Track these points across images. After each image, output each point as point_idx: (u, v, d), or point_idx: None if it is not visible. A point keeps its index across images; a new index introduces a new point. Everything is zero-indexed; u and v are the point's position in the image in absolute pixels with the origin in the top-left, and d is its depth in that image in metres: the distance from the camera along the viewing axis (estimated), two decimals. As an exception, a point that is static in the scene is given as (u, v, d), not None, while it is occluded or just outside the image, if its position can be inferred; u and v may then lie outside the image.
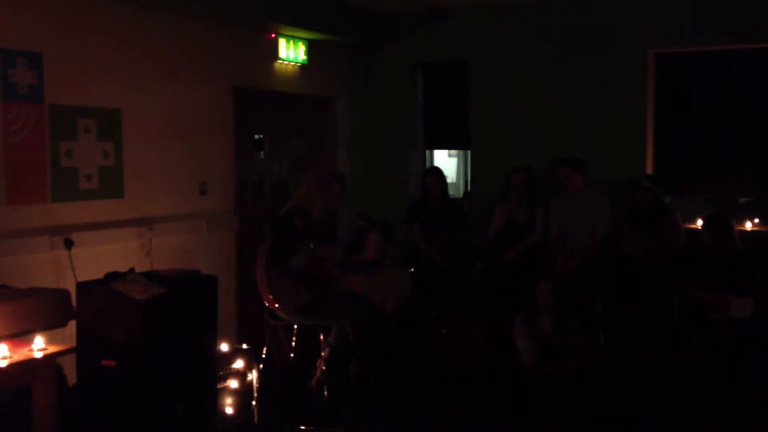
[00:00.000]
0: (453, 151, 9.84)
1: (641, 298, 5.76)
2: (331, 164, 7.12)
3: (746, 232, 5.98)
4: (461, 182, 9.86)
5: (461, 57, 7.07)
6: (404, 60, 7.33)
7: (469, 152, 7.66)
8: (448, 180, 6.95)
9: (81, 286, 4.12)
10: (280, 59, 6.58)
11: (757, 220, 6.14)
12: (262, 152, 6.66)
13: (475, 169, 7.30)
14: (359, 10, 6.82)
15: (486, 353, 5.53)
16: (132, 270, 4.24)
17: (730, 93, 6.21)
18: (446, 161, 9.72)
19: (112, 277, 4.11)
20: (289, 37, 6.63)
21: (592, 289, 5.83)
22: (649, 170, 6.37)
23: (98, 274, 4.25)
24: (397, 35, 7.27)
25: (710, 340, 5.15)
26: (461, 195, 9.02)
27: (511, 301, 5.75)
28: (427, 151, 7.79)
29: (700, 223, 5.91)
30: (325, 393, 4.80)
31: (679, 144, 6.43)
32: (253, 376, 4.69)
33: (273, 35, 6.49)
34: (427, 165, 7.54)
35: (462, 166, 9.88)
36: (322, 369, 4.87)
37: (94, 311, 4.01)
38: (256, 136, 6.59)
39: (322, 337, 5.02)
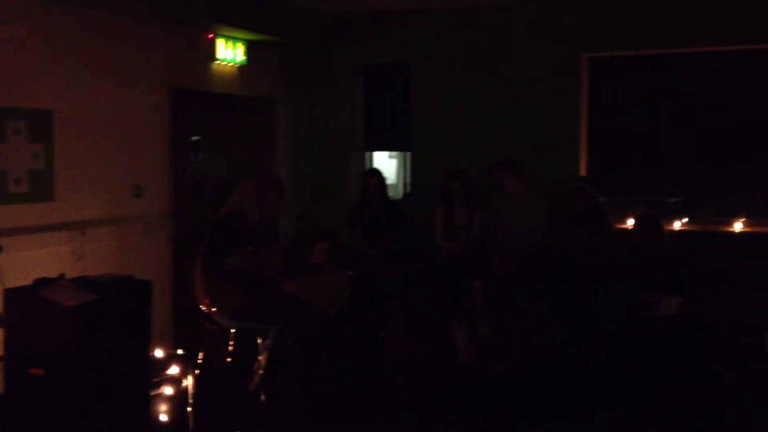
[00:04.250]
0: (393, 153, 9.87)
1: (579, 298, 5.87)
2: (271, 166, 7.08)
3: (675, 231, 6.16)
4: (400, 184, 9.90)
5: (402, 60, 7.11)
6: (346, 62, 7.33)
7: (409, 153, 7.71)
8: (388, 181, 6.96)
9: (9, 293, 4.01)
10: (218, 60, 6.51)
11: (686, 220, 6.33)
12: (200, 154, 6.58)
13: (414, 171, 7.34)
14: (300, 12, 6.79)
15: (426, 355, 5.57)
16: (62, 276, 4.15)
17: (662, 96, 6.37)
18: (387, 162, 9.74)
19: (41, 283, 4.01)
20: (227, 38, 6.56)
21: (531, 289, 5.92)
22: (583, 172, 6.50)
23: (28, 281, 4.14)
24: (339, 38, 7.27)
25: (643, 337, 5.27)
26: (400, 196, 9.05)
27: (450, 302, 5.80)
28: (368, 153, 7.81)
29: (631, 222, 6.06)
30: (263, 398, 4.77)
31: (612, 146, 6.58)
32: (188, 382, 4.62)
33: (211, 35, 6.42)
34: (368, 166, 7.55)
35: (402, 168, 9.91)
36: (260, 373, 4.83)
37: (23, 318, 3.90)
38: (194, 138, 6.51)
39: (260, 341, 4.98)
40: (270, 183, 5.08)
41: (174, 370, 4.74)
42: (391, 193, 7.01)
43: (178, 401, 4.59)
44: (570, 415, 4.73)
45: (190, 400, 4.51)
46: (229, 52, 6.61)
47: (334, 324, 5.33)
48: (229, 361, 5.05)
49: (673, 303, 5.28)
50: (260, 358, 4.89)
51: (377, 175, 6.55)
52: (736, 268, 5.74)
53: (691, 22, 6.05)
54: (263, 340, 4.95)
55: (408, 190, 8.18)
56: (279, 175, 6.57)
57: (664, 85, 6.37)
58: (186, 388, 4.61)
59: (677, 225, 6.27)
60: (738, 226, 6.14)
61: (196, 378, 4.68)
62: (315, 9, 6.85)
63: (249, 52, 6.82)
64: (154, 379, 4.55)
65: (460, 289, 5.63)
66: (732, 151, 6.17)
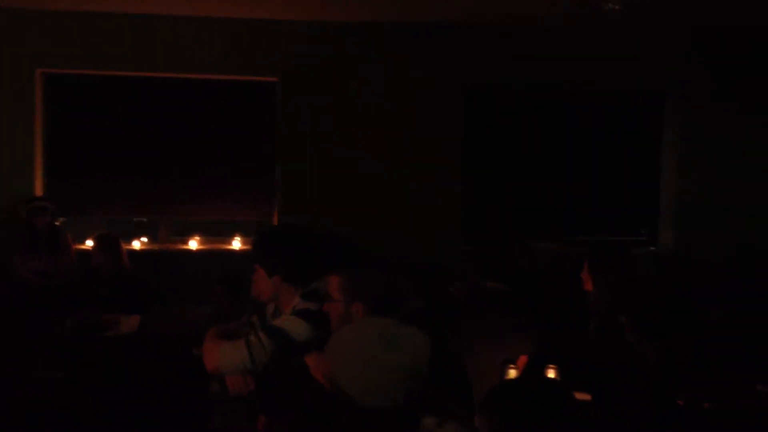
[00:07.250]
0: None
1: (35, 324, 5.57)
2: None
3: (135, 250, 6.27)
4: None
5: None
6: None
7: None
8: None
9: None
10: None
11: (145, 239, 6.49)
12: None
13: None
14: None
15: None
16: None
17: (120, 117, 6.38)
18: None
19: None
20: None
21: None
22: (40, 191, 6.20)
23: None
24: None
25: (100, 359, 5.22)
26: None
27: None
28: None
29: (90, 243, 5.99)
30: None
31: (71, 165, 6.38)
32: None
33: None
34: None
35: None
36: None
37: None
38: None
39: None
40: None
41: None
42: None
43: None
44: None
45: None
46: None
47: None
48: None
49: (133, 321, 5.36)
50: None
51: None
52: (193, 283, 6.07)
53: (145, 46, 6.22)
54: None
55: None
56: None
57: (122, 106, 6.38)
58: None
59: (137, 244, 6.39)
60: (193, 245, 6.51)
61: None
62: None
63: None
64: None
65: None
66: (185, 174, 6.46)
